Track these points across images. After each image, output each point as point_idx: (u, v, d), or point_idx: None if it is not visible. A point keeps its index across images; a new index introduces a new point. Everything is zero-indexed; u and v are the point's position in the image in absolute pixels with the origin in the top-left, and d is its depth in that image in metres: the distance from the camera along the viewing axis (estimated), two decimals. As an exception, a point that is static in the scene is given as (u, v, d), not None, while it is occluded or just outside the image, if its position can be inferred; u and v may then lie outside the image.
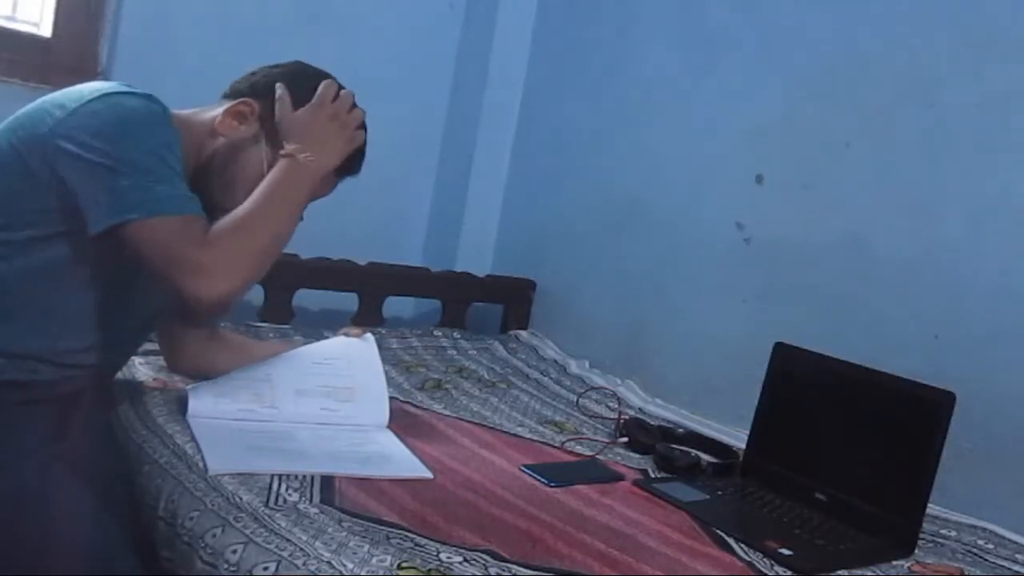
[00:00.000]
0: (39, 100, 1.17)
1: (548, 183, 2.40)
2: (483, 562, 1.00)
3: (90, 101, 1.12)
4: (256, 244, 1.16)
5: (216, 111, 1.28)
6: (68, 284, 1.18)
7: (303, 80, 1.30)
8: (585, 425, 1.72)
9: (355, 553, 0.98)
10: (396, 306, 2.31)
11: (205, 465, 1.17)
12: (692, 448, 1.58)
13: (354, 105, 1.29)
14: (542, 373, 2.07)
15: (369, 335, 1.53)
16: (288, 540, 1.00)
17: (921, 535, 1.29)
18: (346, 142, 1.27)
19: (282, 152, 1.22)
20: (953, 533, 1.35)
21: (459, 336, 2.20)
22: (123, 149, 1.10)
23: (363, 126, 1.30)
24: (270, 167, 1.24)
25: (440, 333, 2.18)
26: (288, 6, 2.18)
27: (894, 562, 1.22)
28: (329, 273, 2.06)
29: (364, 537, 1.02)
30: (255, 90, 1.28)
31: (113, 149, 1.10)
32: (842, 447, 1.40)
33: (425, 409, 1.64)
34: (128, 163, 1.10)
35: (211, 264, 1.10)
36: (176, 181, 1.13)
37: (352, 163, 1.33)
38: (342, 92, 1.28)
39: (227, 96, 1.30)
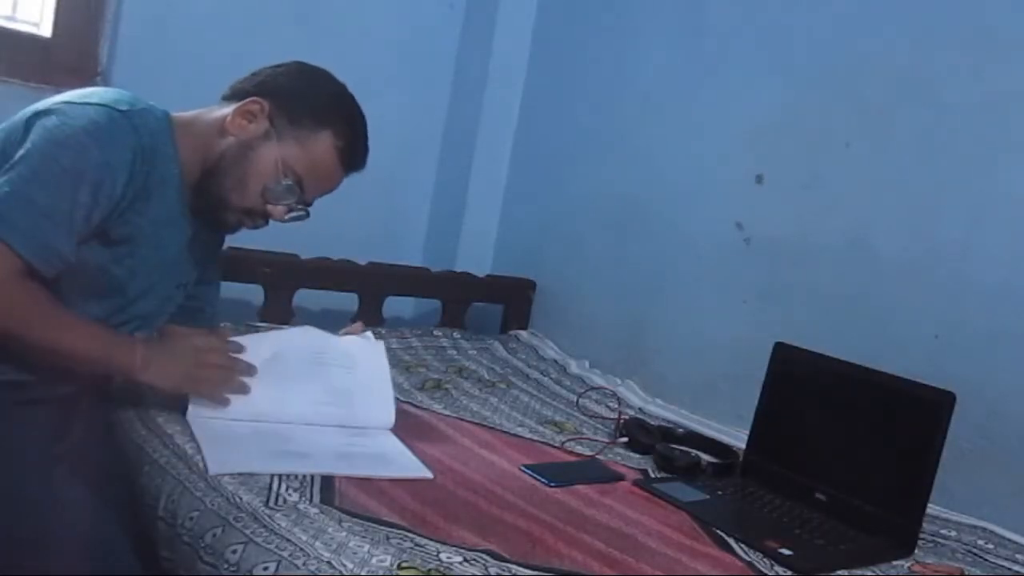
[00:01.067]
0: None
1: (548, 183, 2.40)
2: (483, 562, 1.00)
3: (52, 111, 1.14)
4: (31, 332, 1.14)
5: (222, 111, 1.28)
6: (67, 285, 1.18)
7: (304, 80, 1.31)
8: (585, 425, 1.71)
9: (355, 553, 0.98)
10: (396, 306, 2.31)
11: (205, 465, 1.17)
12: (692, 448, 1.58)
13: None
14: (542, 373, 2.07)
15: (369, 333, 1.52)
16: (288, 540, 1.00)
17: (921, 535, 1.29)
18: (190, 382, 1.28)
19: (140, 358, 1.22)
20: (953, 533, 1.35)
21: (459, 336, 2.20)
22: (36, 156, 1.10)
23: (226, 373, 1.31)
24: (283, 163, 1.25)
25: (440, 333, 2.18)
26: (288, 6, 2.18)
27: (894, 562, 1.22)
28: (329, 273, 2.06)
29: (364, 537, 1.02)
30: (262, 89, 1.28)
31: (29, 150, 1.11)
32: (842, 447, 1.39)
33: (425, 409, 1.64)
34: (21, 167, 1.10)
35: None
36: (53, 214, 1.11)
37: (357, 158, 1.33)
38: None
39: (228, 97, 1.31)
